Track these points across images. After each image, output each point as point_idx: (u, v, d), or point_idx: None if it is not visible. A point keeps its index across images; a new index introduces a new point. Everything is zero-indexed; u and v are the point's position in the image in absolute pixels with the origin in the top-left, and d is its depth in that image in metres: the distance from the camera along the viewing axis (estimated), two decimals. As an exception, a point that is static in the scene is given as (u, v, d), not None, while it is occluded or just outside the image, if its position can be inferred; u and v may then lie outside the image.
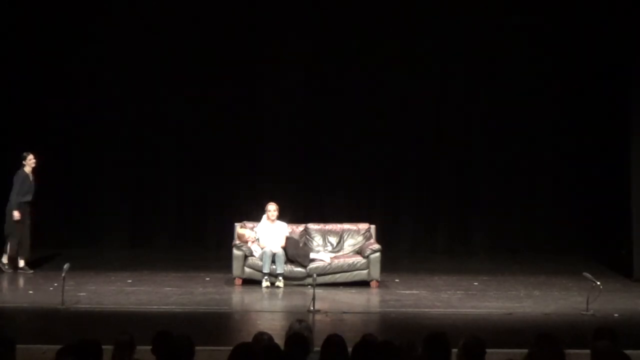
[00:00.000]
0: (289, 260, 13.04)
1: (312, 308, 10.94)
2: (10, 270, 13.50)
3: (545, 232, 16.57)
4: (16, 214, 13.48)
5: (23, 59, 15.84)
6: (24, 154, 13.79)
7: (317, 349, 6.02)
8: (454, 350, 5.74)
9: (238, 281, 12.97)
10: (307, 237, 13.66)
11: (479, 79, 16.34)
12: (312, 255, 13.18)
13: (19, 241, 13.52)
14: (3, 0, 15.56)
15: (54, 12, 15.86)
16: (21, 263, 13.59)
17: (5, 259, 13.60)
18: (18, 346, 6.20)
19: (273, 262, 12.86)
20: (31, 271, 13.54)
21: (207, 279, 13.33)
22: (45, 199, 16.16)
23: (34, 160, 13.73)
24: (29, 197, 13.69)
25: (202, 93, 16.34)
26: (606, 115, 15.96)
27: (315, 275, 12.00)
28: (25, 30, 15.81)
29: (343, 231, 13.78)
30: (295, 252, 13.12)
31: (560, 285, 13.27)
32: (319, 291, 11.72)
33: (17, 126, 15.85)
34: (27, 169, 13.71)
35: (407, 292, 12.70)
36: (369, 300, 12.52)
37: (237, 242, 13.18)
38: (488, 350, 5.64)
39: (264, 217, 13.41)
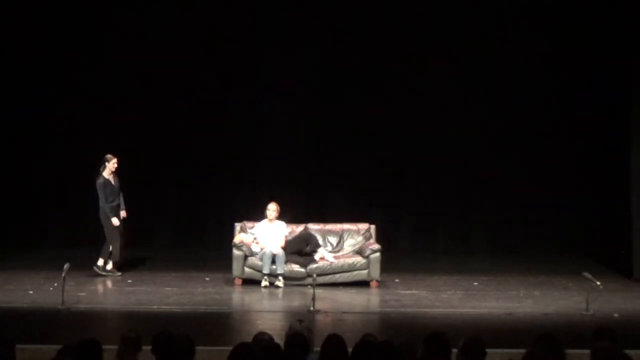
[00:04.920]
0: (303, 240, 13.07)
1: (312, 308, 10.94)
2: (110, 274, 13.38)
3: (545, 232, 16.56)
4: (115, 221, 13.34)
5: (25, 56, 15.87)
6: (108, 156, 13.50)
7: (317, 349, 6.02)
8: (454, 350, 5.74)
9: (238, 281, 12.98)
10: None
11: (479, 79, 16.32)
12: (317, 254, 13.21)
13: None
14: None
15: (56, 16, 15.92)
16: (109, 265, 13.48)
17: (109, 265, 13.44)
18: (18, 346, 6.21)
19: (273, 262, 12.86)
20: (119, 273, 13.46)
21: (207, 279, 13.33)
22: (45, 199, 16.24)
23: (116, 165, 13.46)
24: (117, 201, 13.49)
25: (203, 93, 16.33)
26: (606, 116, 15.95)
27: (315, 275, 12.00)
28: (27, 29, 15.83)
29: (343, 231, 13.78)
30: (307, 239, 13.17)
31: (560, 285, 13.27)
32: (319, 291, 11.72)
33: (18, 126, 15.89)
34: (107, 172, 13.45)
35: (407, 292, 12.70)
36: (369, 300, 12.53)
37: (237, 242, 13.17)
38: (488, 350, 5.64)
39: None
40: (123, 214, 13.61)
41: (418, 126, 16.47)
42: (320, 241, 13.53)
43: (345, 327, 9.88)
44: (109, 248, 13.43)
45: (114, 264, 13.48)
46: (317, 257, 13.17)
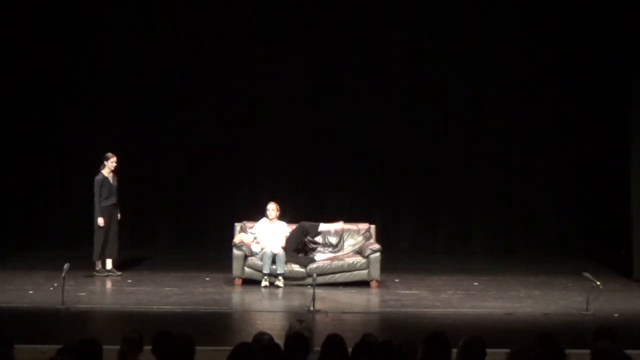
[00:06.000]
0: (301, 232, 13.14)
1: (312, 308, 10.94)
2: (104, 274, 13.38)
3: (545, 232, 16.56)
4: (100, 221, 13.30)
5: (25, 56, 15.89)
6: (107, 154, 13.47)
7: (317, 349, 6.02)
8: (454, 350, 5.74)
9: (238, 281, 12.97)
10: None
11: (478, 79, 16.33)
12: (317, 255, 13.24)
13: (105, 244, 13.37)
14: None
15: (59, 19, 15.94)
16: (108, 265, 13.48)
17: (108, 265, 13.50)
18: (18, 346, 6.21)
19: (273, 262, 12.86)
20: (119, 273, 13.46)
21: (207, 279, 13.33)
22: (45, 199, 16.24)
23: (115, 163, 13.43)
24: (112, 200, 13.42)
25: (203, 93, 16.35)
26: (606, 116, 15.96)
27: (315, 275, 12.00)
28: (27, 28, 15.85)
29: (343, 231, 13.77)
30: (305, 229, 13.19)
31: (560, 285, 13.27)
32: (319, 291, 11.72)
33: (18, 126, 15.91)
34: (106, 170, 13.42)
35: (407, 292, 12.70)
36: (369, 300, 12.52)
37: (237, 242, 13.17)
38: (488, 350, 5.63)
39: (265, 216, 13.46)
40: (119, 216, 13.58)
41: (418, 126, 16.48)
42: (321, 241, 13.54)
43: (345, 327, 9.87)
44: (99, 248, 13.42)
45: (102, 263, 13.46)
46: (317, 257, 13.20)
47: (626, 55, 14.35)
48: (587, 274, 11.69)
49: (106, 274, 13.40)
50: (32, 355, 7.72)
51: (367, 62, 16.28)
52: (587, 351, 5.90)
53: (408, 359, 5.98)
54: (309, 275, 12.65)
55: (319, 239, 13.48)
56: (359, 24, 16.15)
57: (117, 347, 6.43)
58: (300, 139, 16.50)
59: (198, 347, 5.91)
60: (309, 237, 13.28)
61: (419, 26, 16.19)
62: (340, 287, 12.92)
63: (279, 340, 6.16)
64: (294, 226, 13.58)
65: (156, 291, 12.35)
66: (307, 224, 13.49)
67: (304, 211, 15.44)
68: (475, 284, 13.38)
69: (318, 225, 13.44)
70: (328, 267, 13.05)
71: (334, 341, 5.94)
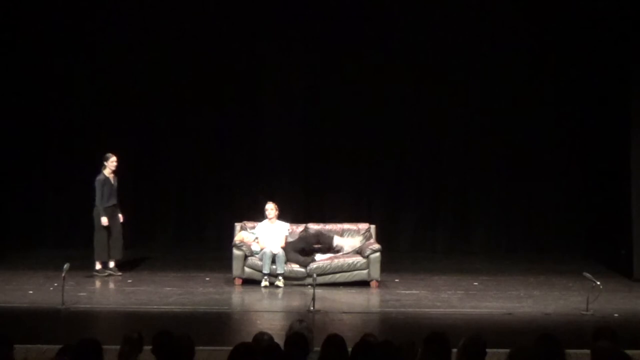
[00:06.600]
0: (314, 237, 13.22)
1: (312, 308, 10.94)
2: (105, 274, 13.39)
3: (545, 232, 16.56)
4: (104, 220, 13.29)
5: (25, 56, 15.89)
6: (107, 155, 13.47)
7: (317, 349, 6.02)
8: (454, 350, 5.74)
9: (238, 281, 12.97)
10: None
11: (478, 78, 16.33)
12: (317, 255, 13.26)
13: (109, 244, 13.36)
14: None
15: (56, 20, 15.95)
16: (111, 264, 13.50)
17: (111, 264, 13.51)
18: (18, 346, 6.21)
19: (273, 262, 12.87)
20: (120, 273, 13.47)
21: (207, 279, 13.33)
22: (45, 199, 16.24)
23: (115, 163, 13.45)
24: (113, 201, 13.42)
25: (203, 93, 16.34)
26: (606, 115, 15.94)
27: (315, 275, 12.00)
28: (28, 28, 15.86)
29: (343, 231, 13.77)
30: (319, 236, 13.25)
31: (560, 285, 13.27)
32: (319, 291, 11.72)
33: (18, 126, 15.91)
34: (107, 171, 13.41)
35: (407, 292, 12.70)
36: (369, 300, 12.52)
37: (237, 242, 13.17)
38: (488, 350, 5.64)
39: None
40: (121, 217, 13.58)
41: (418, 126, 16.47)
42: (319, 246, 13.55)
43: (345, 327, 9.88)
44: (100, 248, 13.41)
45: (102, 263, 13.45)
46: (317, 257, 13.21)
47: (626, 55, 14.35)
48: (587, 274, 11.69)
49: (107, 274, 13.40)
50: (32, 355, 7.72)
51: (367, 62, 16.25)
52: (587, 351, 5.90)
53: (408, 359, 5.98)
54: (309, 275, 12.65)
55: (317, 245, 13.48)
56: (359, 24, 16.14)
57: (117, 347, 6.43)
58: (300, 139, 16.50)
59: (198, 347, 5.92)
60: (320, 245, 13.29)
61: (419, 26, 16.18)
62: (340, 287, 12.93)
63: (279, 340, 6.16)
64: (294, 226, 13.59)
65: (156, 291, 12.35)
66: (324, 234, 13.46)
67: (303, 211, 15.47)
68: (475, 284, 13.38)
69: (332, 238, 13.45)
70: (328, 267, 13.06)
71: (334, 341, 5.94)
